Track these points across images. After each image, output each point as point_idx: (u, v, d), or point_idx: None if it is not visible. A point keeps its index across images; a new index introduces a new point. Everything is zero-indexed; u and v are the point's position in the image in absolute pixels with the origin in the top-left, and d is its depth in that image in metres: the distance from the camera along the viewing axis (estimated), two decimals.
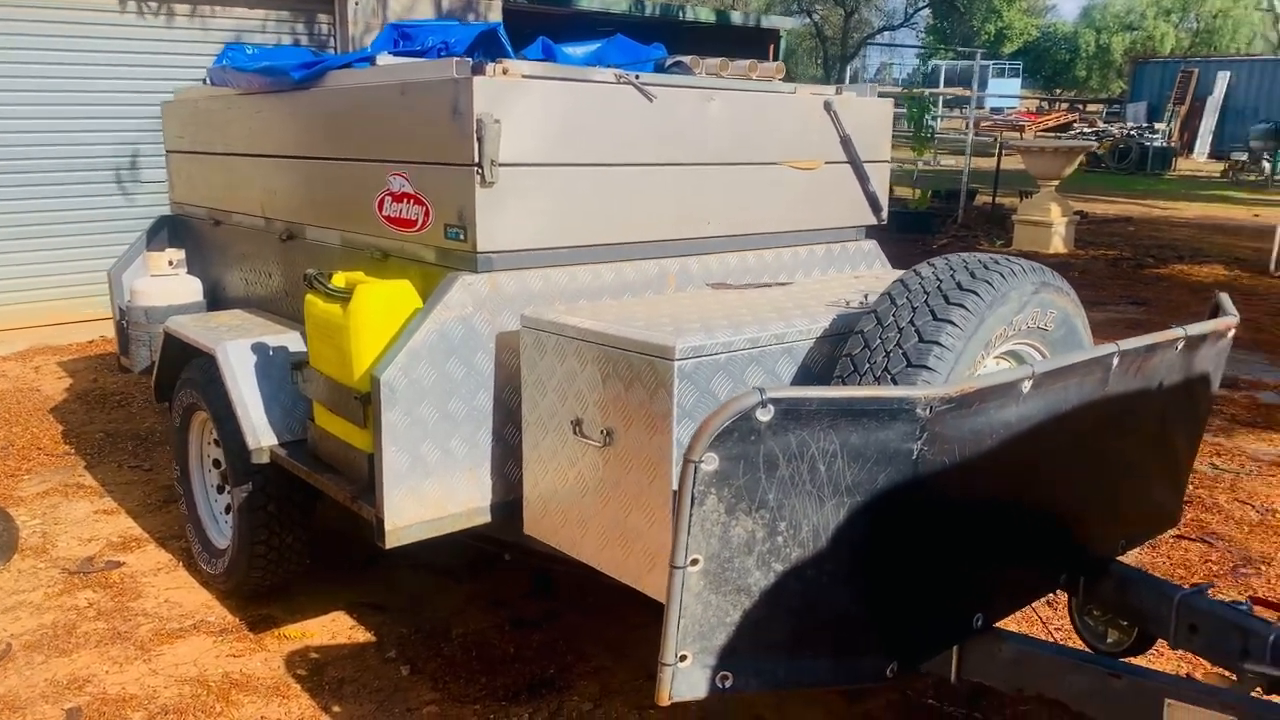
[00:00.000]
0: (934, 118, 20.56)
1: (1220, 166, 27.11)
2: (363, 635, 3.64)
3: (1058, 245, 12.54)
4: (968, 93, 17.87)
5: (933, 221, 14.31)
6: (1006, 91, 39.17)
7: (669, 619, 1.91)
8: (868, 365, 2.37)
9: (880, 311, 2.47)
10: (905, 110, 17.02)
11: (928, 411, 1.93)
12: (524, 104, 2.81)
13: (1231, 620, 2.38)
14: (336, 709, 3.18)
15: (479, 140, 2.71)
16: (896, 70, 58.33)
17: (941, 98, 22.43)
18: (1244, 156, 26.12)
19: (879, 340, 2.39)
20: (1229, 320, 2.67)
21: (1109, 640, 2.84)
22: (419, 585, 4.02)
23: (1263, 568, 4.35)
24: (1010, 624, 3.62)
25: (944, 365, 2.29)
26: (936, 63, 37.32)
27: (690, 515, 1.85)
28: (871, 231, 4.01)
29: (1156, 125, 30.66)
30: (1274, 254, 11.54)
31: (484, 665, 3.44)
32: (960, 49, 38.90)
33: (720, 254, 3.44)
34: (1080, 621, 2.91)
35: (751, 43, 15.41)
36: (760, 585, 1.94)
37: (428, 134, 2.90)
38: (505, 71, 2.77)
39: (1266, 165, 24.74)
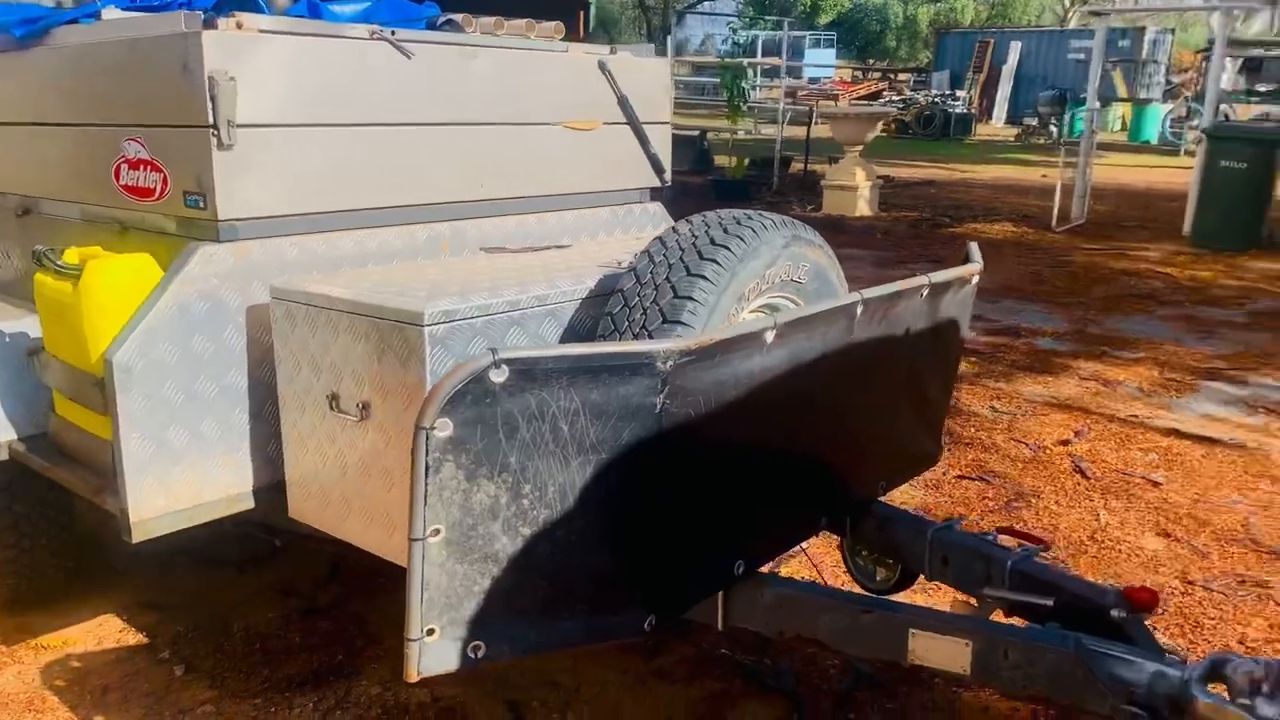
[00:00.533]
0: (751, 87, 21.01)
1: (1015, 131, 29.02)
2: (133, 638, 3.40)
3: (863, 209, 13.09)
4: (779, 62, 18.32)
5: (749, 188, 14.66)
6: (823, 61, 40.50)
7: (411, 593, 1.84)
8: (627, 323, 2.36)
9: (639, 269, 2.46)
10: (721, 79, 17.30)
11: (668, 365, 1.93)
12: (263, 61, 2.63)
13: (976, 550, 2.52)
14: (99, 718, 2.96)
15: (213, 100, 2.53)
16: (720, 41, 59.35)
17: (759, 68, 22.91)
18: (1034, 121, 28.05)
19: (637, 298, 2.38)
20: (972, 267, 2.81)
21: (878, 578, 2.96)
22: (201, 580, 3.79)
23: (1033, 500, 4.67)
24: (805, 570, 3.74)
25: (698, 320, 2.30)
26: (755, 33, 38.16)
27: (426, 484, 1.78)
28: (671, 195, 4.02)
29: (958, 93, 32.49)
30: (1055, 212, 12.43)
31: (267, 658, 3.28)
32: (776, 19, 39.91)
33: (497, 218, 3.35)
34: (851, 562, 3.02)
35: (559, 9, 15.24)
36: (508, 551, 1.90)
37: (160, 94, 2.68)
38: (240, 26, 2.58)
39: (1054, 129, 26.60)
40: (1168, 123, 26.00)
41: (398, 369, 2.32)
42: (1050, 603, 2.20)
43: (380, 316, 2.33)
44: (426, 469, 1.77)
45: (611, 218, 3.76)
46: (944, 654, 2.11)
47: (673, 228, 2.55)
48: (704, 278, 2.34)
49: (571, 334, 2.62)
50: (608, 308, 2.49)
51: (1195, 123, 19.37)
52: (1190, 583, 3.91)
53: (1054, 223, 12.42)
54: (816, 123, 16.98)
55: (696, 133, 17.81)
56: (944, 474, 4.98)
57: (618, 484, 1.96)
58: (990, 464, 5.11)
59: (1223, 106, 15.10)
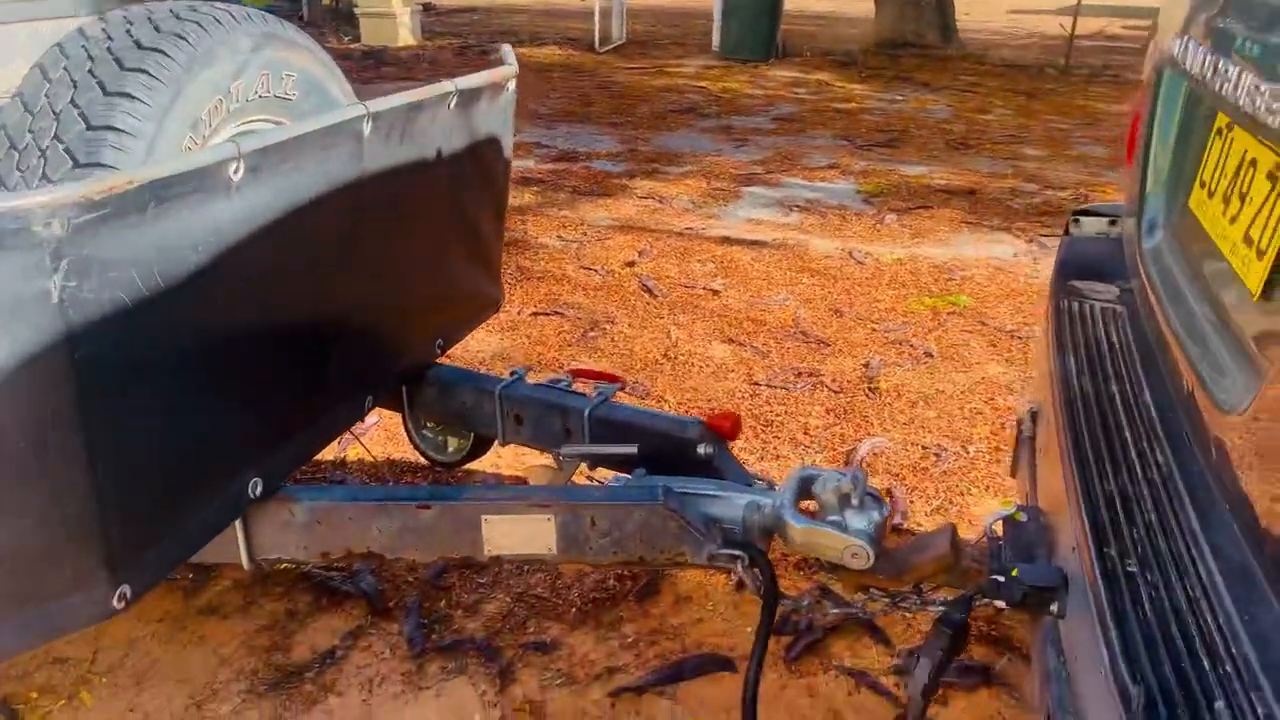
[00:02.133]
0: None
1: None
2: None
3: (406, 37, 12.15)
4: None
5: None
6: None
7: None
8: (18, 174, 1.60)
9: (27, 94, 1.68)
10: None
11: (61, 229, 1.25)
12: None
13: (549, 402, 2.18)
14: None
15: None
16: None
17: None
18: None
19: (29, 135, 1.62)
20: (506, 71, 2.35)
21: (451, 450, 2.56)
22: None
23: (608, 327, 4.54)
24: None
25: (130, 158, 1.61)
26: None
27: None
28: None
29: None
30: (596, 34, 12.41)
31: None
32: None
33: None
34: (418, 437, 2.58)
35: None
36: None
37: None
38: None
39: None
40: None
41: None
42: (634, 450, 1.93)
43: None
44: None
45: (33, 41, 2.76)
46: (524, 537, 1.76)
47: (79, 30, 1.77)
48: (130, 97, 1.63)
49: None
50: None
51: None
52: (756, 384, 4.00)
53: (597, 44, 12.42)
54: None
55: None
56: (519, 313, 4.69)
57: (21, 426, 1.30)
58: (564, 296, 4.90)
59: None
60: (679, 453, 1.90)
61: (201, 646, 2.56)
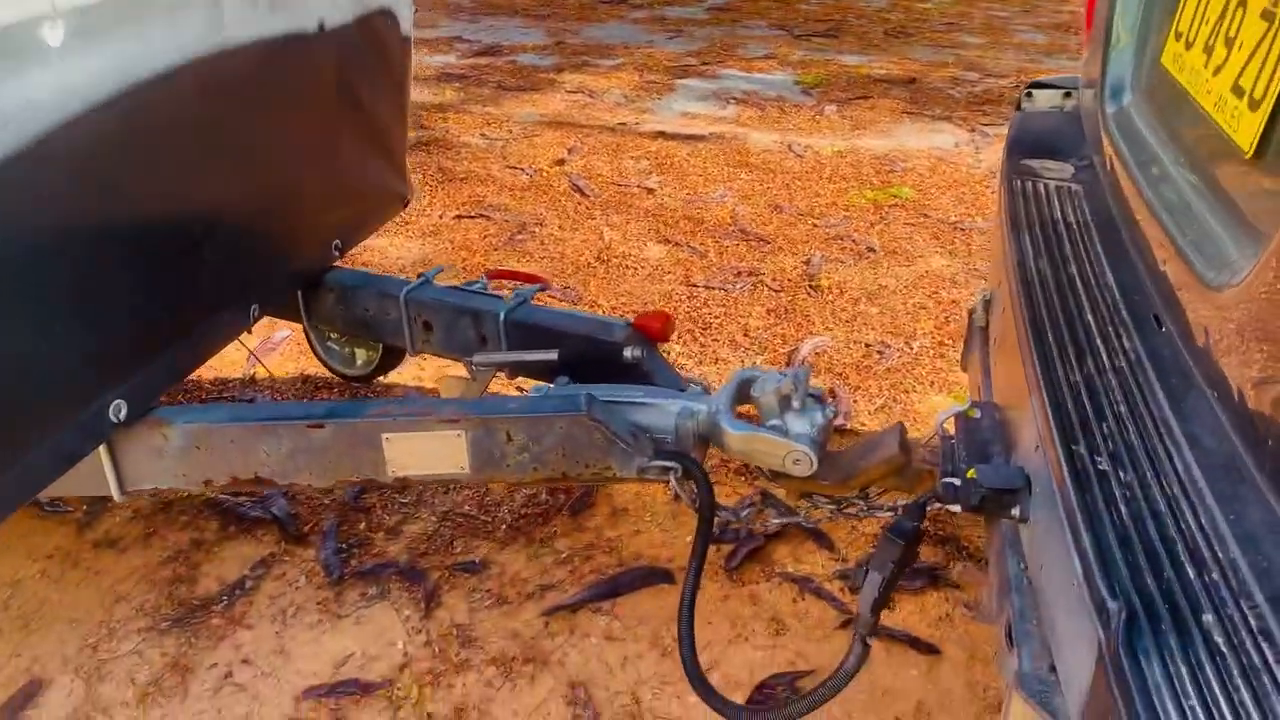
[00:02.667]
0: None
1: None
2: None
3: None
4: None
5: None
6: None
7: None
8: None
9: None
10: None
11: None
12: None
13: (461, 306, 1.97)
14: None
15: None
16: None
17: None
18: None
19: None
20: None
21: (360, 362, 2.35)
22: None
23: (537, 230, 4.30)
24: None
25: None
26: None
27: None
28: None
29: None
30: None
31: None
32: None
33: None
34: (323, 349, 2.36)
35: None
36: None
37: None
38: None
39: None
40: None
41: None
42: (554, 356, 1.74)
43: None
44: None
45: None
46: (432, 455, 1.57)
47: None
48: None
49: None
50: None
51: None
52: (693, 285, 3.82)
53: None
54: None
55: None
56: (440, 217, 4.41)
57: None
58: (489, 198, 4.63)
59: None
60: (605, 358, 1.72)
61: (96, 583, 2.36)
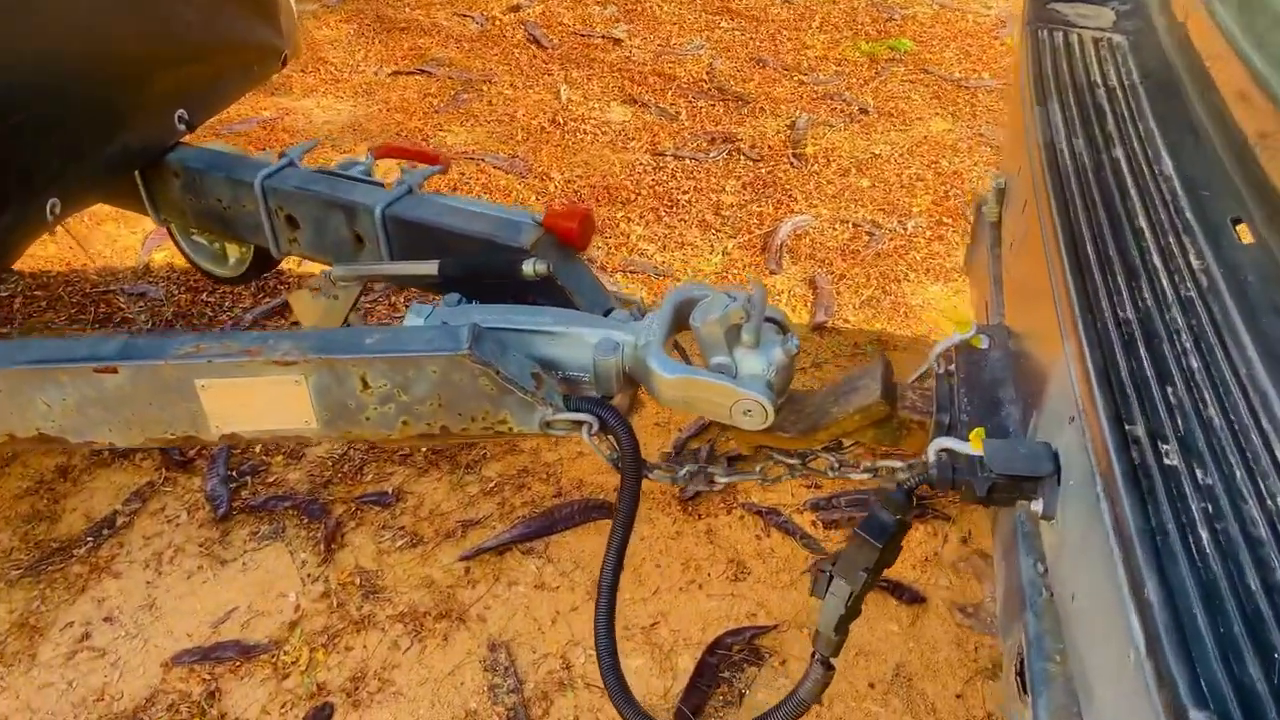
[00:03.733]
0: None
1: None
2: None
3: None
4: None
5: None
6: None
7: None
8: None
9: None
10: None
11: None
12: None
13: (330, 197, 1.55)
14: None
15: None
16: None
17: None
18: None
19: None
20: None
21: (232, 260, 1.93)
22: None
23: (485, 88, 3.79)
24: None
25: None
26: None
27: None
28: None
29: None
30: None
31: None
32: None
33: None
34: (188, 245, 1.94)
35: None
36: None
37: None
38: None
39: None
40: None
41: None
42: (434, 270, 1.33)
43: None
44: None
45: None
46: (268, 407, 1.19)
47: None
48: None
49: None
50: None
51: None
52: (661, 154, 3.36)
53: None
54: None
55: None
56: (375, 73, 3.89)
57: None
58: (432, 50, 4.08)
59: None
60: (509, 268, 1.32)
61: None
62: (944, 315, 2.60)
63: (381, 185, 1.50)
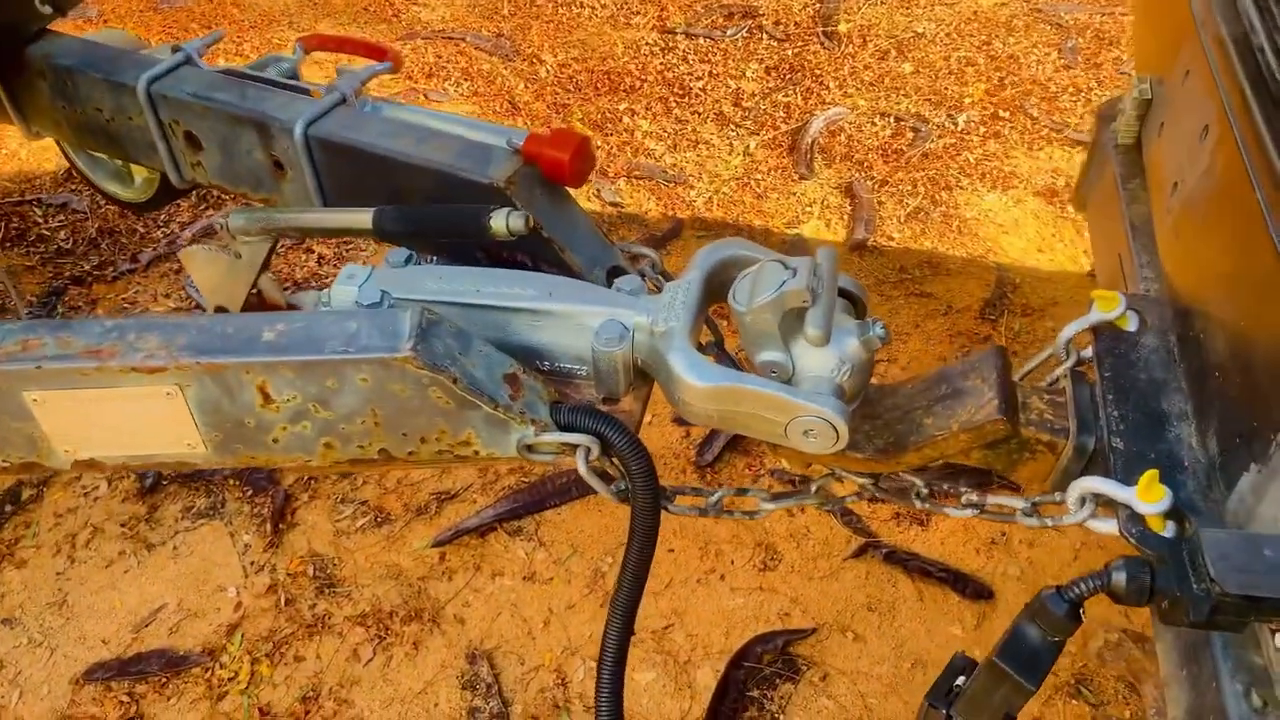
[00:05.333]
0: None
1: None
2: None
3: None
4: None
5: None
6: None
7: None
8: None
9: None
10: None
11: None
12: None
13: (239, 109, 1.14)
14: None
15: None
16: None
17: None
18: None
19: None
20: None
21: (139, 181, 1.54)
22: None
23: None
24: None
25: None
26: None
27: None
28: None
29: None
30: None
31: None
32: None
33: None
34: (84, 161, 1.55)
35: None
36: None
37: None
38: None
39: None
40: None
41: None
42: (368, 222, 0.94)
43: None
44: None
45: None
46: (134, 428, 0.83)
47: None
48: None
49: None
50: None
51: None
52: (670, 31, 2.90)
53: None
54: None
55: None
56: None
57: None
58: None
59: None
60: (472, 224, 0.93)
61: None
62: (1003, 230, 2.21)
63: (307, 92, 1.10)
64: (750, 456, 1.74)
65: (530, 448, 0.87)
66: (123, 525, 1.64)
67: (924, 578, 1.57)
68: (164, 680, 1.44)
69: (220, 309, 1.10)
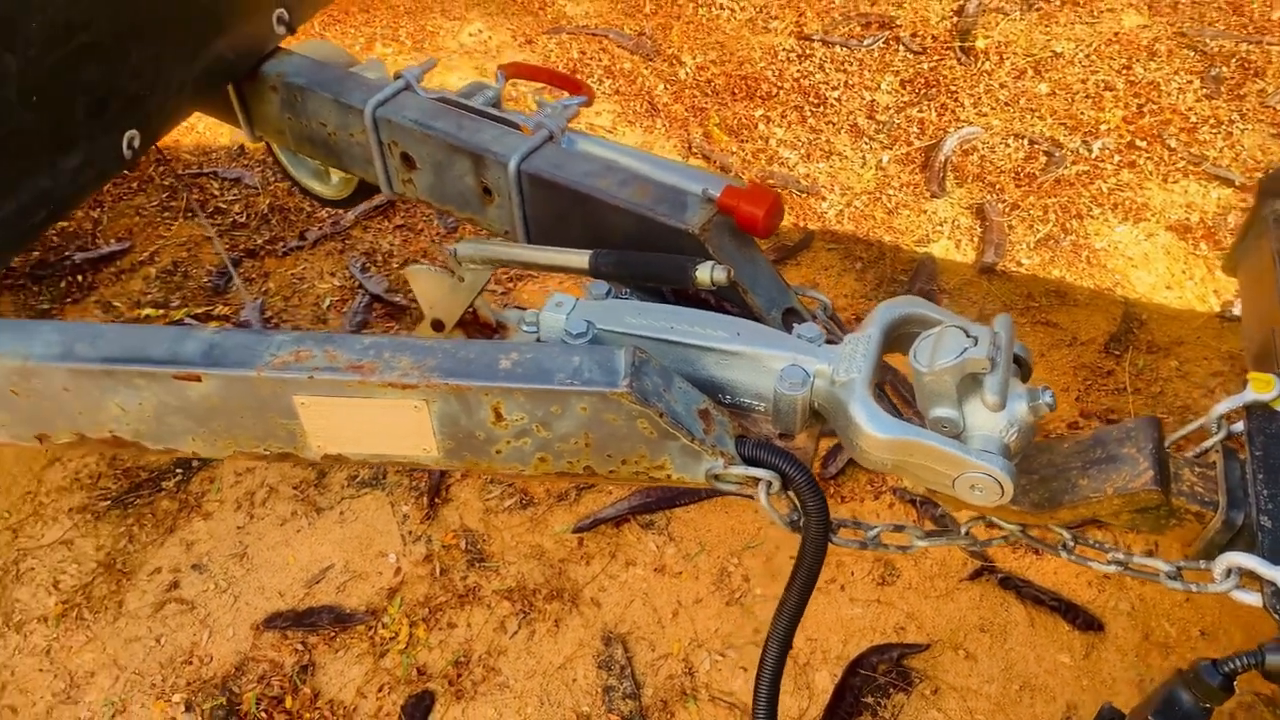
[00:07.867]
0: None
1: None
2: None
3: None
4: None
5: None
6: None
7: None
8: None
9: None
10: None
11: None
12: None
13: (452, 137, 1.27)
14: None
15: None
16: None
17: None
18: None
19: None
20: None
21: (335, 179, 1.69)
22: None
23: None
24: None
25: None
26: None
27: None
28: None
29: None
30: None
31: None
32: None
33: None
34: (288, 158, 1.70)
35: None
36: None
37: None
38: None
39: None
40: None
41: None
42: (584, 263, 1.06)
43: None
44: None
45: None
46: (380, 432, 0.97)
47: None
48: None
49: None
50: None
51: None
52: (807, 38, 2.95)
53: None
54: None
55: None
56: None
57: None
58: None
59: None
60: (679, 274, 1.03)
61: None
62: (1133, 264, 2.24)
63: (517, 127, 1.22)
64: (871, 472, 1.82)
65: (718, 477, 0.97)
66: (294, 488, 1.80)
67: (1036, 605, 1.64)
68: (333, 634, 1.60)
69: (437, 322, 1.23)
